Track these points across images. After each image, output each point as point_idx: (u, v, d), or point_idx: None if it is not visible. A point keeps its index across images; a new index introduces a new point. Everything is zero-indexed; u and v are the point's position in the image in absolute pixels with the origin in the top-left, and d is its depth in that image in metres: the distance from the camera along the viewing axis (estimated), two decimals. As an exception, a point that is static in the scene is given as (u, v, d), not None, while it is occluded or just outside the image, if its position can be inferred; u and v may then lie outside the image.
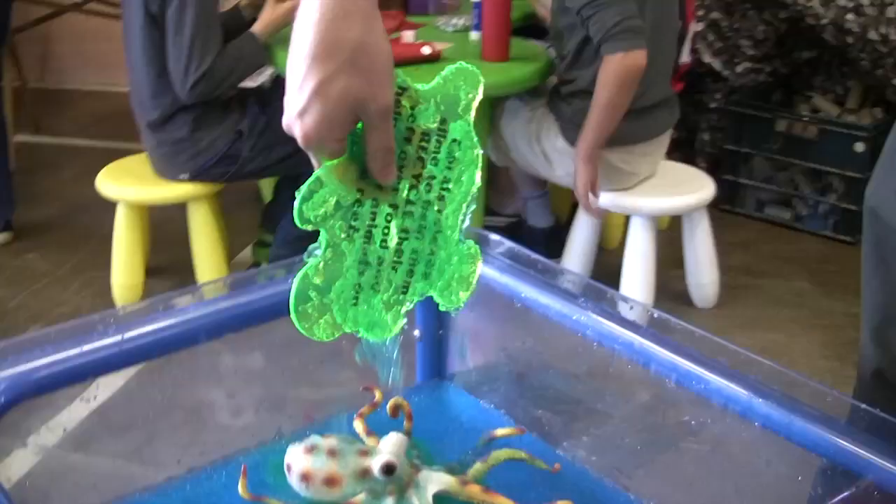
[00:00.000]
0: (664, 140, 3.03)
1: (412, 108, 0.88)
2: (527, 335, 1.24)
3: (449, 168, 0.89)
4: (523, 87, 2.85)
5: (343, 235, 0.88)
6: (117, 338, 1.00)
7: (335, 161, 0.87)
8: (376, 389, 1.12)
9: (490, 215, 3.53)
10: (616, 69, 2.64)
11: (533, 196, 3.39)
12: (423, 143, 0.89)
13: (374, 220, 0.89)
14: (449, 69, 0.89)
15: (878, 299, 1.11)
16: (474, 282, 0.92)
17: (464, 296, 0.92)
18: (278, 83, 3.22)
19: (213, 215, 3.06)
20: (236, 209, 3.36)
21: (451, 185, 0.90)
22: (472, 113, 0.89)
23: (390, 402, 1.11)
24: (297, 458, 0.97)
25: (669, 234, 3.35)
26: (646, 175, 2.99)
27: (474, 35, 3.07)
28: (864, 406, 0.89)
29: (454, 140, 0.89)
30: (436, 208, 0.90)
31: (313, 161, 0.87)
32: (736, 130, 4.01)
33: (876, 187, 1.13)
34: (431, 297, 0.95)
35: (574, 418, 1.20)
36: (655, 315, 1.08)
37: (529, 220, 3.45)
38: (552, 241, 3.30)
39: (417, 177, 0.89)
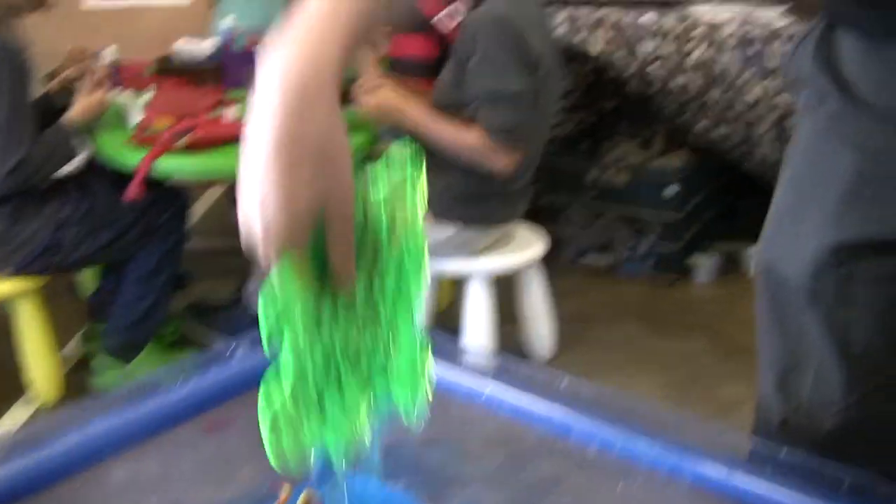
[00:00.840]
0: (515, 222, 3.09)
1: (364, 200, 0.85)
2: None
3: (400, 262, 0.87)
4: (360, 154, 2.82)
5: (306, 338, 0.84)
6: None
7: (295, 261, 0.82)
8: (284, 485, 1.09)
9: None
10: (486, 152, 2.65)
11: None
12: (375, 236, 0.86)
13: (333, 318, 0.86)
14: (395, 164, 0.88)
15: (778, 352, 1.15)
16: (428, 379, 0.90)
17: (425, 394, 0.89)
18: (93, 167, 3.12)
19: (40, 310, 2.93)
20: (50, 300, 3.21)
21: (403, 279, 0.88)
22: (420, 213, 0.87)
23: (301, 497, 1.08)
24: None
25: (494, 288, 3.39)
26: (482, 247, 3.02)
27: (296, 107, 3.03)
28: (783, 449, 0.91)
29: (403, 234, 0.87)
30: (390, 302, 0.88)
31: (272, 258, 0.81)
32: (550, 182, 4.10)
33: (767, 246, 1.17)
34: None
35: (488, 491, 1.19)
36: (563, 384, 1.09)
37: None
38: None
39: (372, 271, 0.87)
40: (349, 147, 0.80)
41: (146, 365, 2.98)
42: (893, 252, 1.08)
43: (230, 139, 2.61)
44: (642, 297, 3.86)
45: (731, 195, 4.18)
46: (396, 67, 3.27)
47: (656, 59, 3.53)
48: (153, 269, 2.97)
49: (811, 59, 1.10)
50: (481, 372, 1.17)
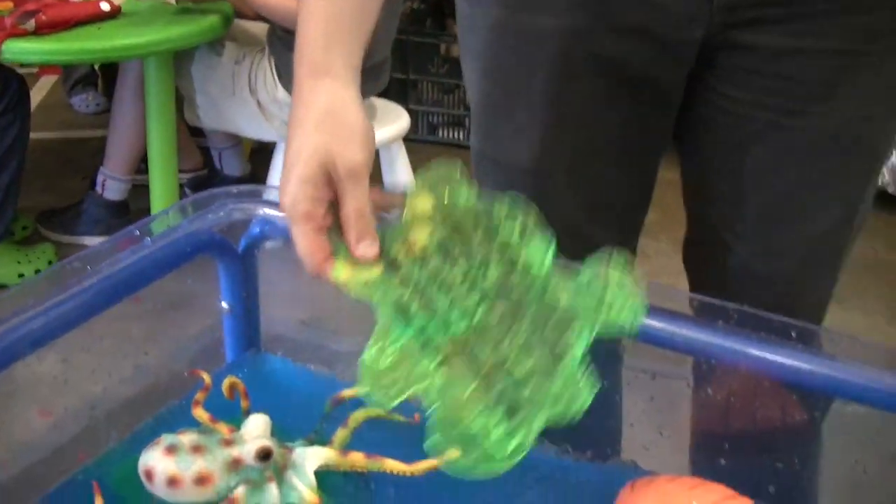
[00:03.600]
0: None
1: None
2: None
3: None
4: (213, 35, 2.70)
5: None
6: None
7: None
8: (203, 373, 1.05)
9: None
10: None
11: (227, 146, 3.29)
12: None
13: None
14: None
15: None
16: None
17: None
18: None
19: None
20: None
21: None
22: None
23: (225, 383, 1.04)
24: (159, 462, 0.88)
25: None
26: None
27: (140, -16, 2.89)
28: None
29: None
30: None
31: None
32: (401, 59, 4.04)
33: (483, 140, 1.19)
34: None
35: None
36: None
37: (225, 170, 3.34)
38: (248, 191, 3.21)
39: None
40: (359, 119, 0.86)
41: (-2, 265, 2.85)
42: None
43: (80, 20, 2.47)
44: (500, 170, 3.85)
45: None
46: None
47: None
48: None
49: None
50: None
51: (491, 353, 0.80)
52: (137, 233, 1.07)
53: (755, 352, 0.92)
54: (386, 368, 0.80)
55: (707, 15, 1.02)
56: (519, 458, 0.78)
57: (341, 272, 0.83)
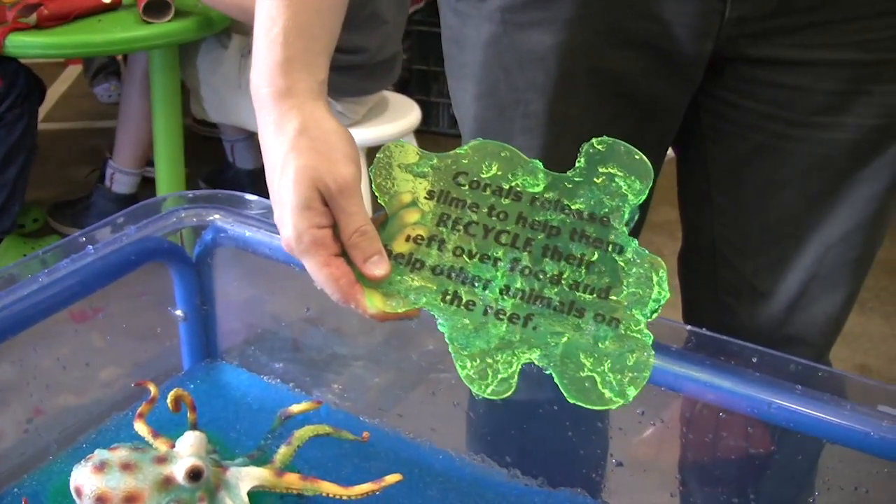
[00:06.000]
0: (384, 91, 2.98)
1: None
2: (300, 299, 1.16)
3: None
4: (217, 28, 2.65)
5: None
6: None
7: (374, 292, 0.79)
8: (150, 384, 1.02)
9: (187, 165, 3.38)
10: None
11: (239, 139, 3.26)
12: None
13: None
14: None
15: None
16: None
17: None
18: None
19: None
20: None
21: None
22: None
23: (170, 396, 1.01)
24: (87, 480, 0.86)
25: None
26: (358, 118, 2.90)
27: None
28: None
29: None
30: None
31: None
32: (423, 50, 4.01)
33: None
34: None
35: (367, 379, 1.14)
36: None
37: (238, 163, 3.32)
38: (260, 183, 3.19)
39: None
40: (338, 132, 0.81)
41: (6, 258, 2.83)
42: None
43: (82, 12, 2.45)
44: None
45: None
46: None
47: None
48: (0, 163, 2.78)
49: None
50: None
51: (557, 289, 0.78)
52: (83, 240, 1.04)
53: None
54: (490, 377, 0.76)
55: (717, 28, 0.98)
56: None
57: (375, 301, 0.79)
